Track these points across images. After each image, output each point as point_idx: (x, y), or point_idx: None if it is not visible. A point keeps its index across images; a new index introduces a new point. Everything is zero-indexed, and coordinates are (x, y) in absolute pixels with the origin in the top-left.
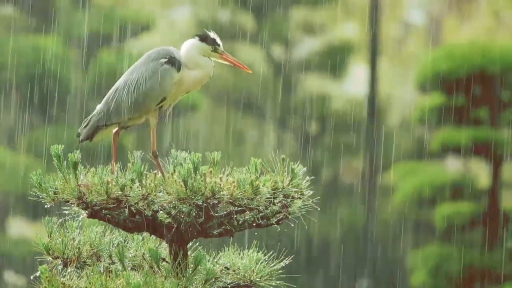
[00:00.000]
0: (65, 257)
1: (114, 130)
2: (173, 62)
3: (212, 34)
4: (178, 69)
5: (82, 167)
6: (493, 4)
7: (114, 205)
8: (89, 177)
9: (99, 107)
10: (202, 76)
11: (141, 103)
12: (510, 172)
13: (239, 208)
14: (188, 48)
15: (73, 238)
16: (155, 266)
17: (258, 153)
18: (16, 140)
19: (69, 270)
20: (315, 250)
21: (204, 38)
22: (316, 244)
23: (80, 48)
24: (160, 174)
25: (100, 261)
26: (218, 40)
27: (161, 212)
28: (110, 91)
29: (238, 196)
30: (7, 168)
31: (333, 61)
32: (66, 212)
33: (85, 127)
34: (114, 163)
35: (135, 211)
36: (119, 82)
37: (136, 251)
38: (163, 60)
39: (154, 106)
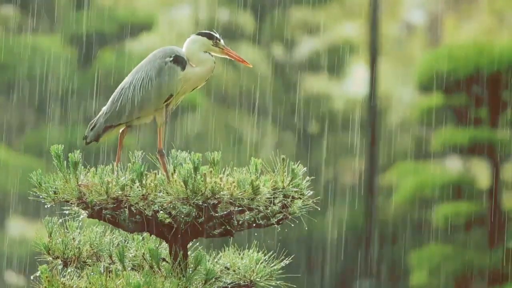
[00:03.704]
0: (65, 257)
1: (121, 130)
2: (179, 61)
3: (210, 31)
4: (183, 67)
5: (82, 167)
6: (493, 4)
7: (114, 205)
8: (89, 177)
9: (105, 108)
10: (205, 72)
11: (147, 101)
12: (510, 172)
13: (239, 208)
14: (189, 44)
15: (73, 238)
16: (155, 266)
17: (258, 153)
18: (16, 140)
19: (69, 270)
20: (314, 250)
21: (204, 33)
22: (315, 244)
23: (80, 48)
24: (164, 173)
25: (100, 261)
26: (218, 35)
27: (161, 212)
28: (116, 91)
29: (238, 196)
30: (7, 168)
31: (333, 61)
32: (66, 212)
33: (91, 129)
34: (117, 163)
35: (135, 211)
36: (125, 82)
37: (136, 251)
38: (169, 58)
39: (161, 104)
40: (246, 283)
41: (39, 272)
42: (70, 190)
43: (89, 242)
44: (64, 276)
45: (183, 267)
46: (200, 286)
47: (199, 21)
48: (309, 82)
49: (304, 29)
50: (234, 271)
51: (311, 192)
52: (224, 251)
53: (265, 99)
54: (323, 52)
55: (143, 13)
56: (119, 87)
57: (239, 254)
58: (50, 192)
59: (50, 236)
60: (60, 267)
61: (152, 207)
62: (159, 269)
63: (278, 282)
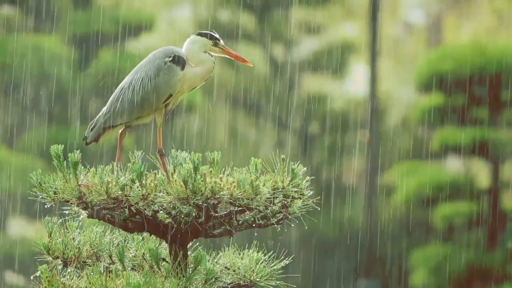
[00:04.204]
0: (65, 257)
1: (121, 131)
2: (178, 61)
3: (210, 32)
4: (182, 67)
5: (82, 167)
6: (493, 3)
7: (114, 205)
8: (89, 177)
9: (105, 108)
10: (204, 72)
11: (147, 101)
12: (510, 172)
13: (239, 208)
14: (189, 44)
15: (73, 238)
16: (155, 266)
17: (258, 153)
18: (16, 140)
19: (69, 270)
20: (314, 250)
21: (204, 34)
22: (315, 244)
23: (80, 48)
24: (163, 173)
25: (100, 261)
26: (218, 36)
27: (161, 212)
28: (116, 91)
29: (238, 196)
30: (7, 168)
31: (333, 61)
32: (66, 212)
33: (91, 129)
34: (117, 163)
35: (135, 211)
36: (124, 82)
37: (136, 251)
38: (168, 58)
39: (161, 104)
40: (246, 283)
41: (39, 272)
42: (70, 190)
43: (89, 242)
44: (64, 276)
45: (183, 267)
46: (200, 286)
47: (199, 21)
48: (309, 82)
49: (304, 29)
50: (234, 271)
51: (311, 192)
52: (224, 251)
53: (265, 99)
54: (323, 52)
55: (143, 13)
56: (119, 87)
57: (239, 254)
58: (50, 192)
59: (50, 236)
60: (60, 267)
61: (152, 207)
62: (159, 269)
63: (278, 282)
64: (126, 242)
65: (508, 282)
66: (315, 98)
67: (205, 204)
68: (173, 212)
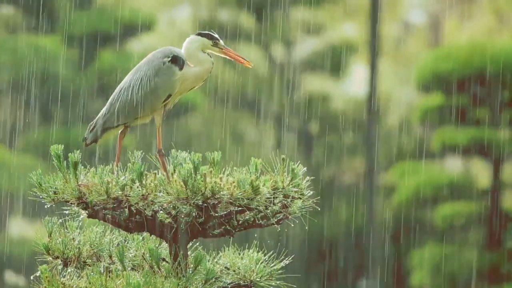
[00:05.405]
0: (65, 257)
1: (120, 131)
2: (176, 61)
3: (210, 32)
4: (181, 67)
5: (82, 167)
6: (493, 4)
7: (114, 205)
8: (89, 177)
9: (104, 109)
10: (203, 72)
11: (146, 101)
12: (510, 172)
13: (239, 208)
14: (188, 44)
15: (73, 238)
16: (155, 266)
17: (258, 153)
18: (16, 140)
19: (69, 270)
20: (315, 250)
21: (203, 34)
22: (316, 244)
23: (80, 48)
24: (163, 172)
25: (100, 261)
26: (217, 36)
27: (161, 212)
28: (115, 92)
29: (238, 196)
30: (7, 168)
31: (333, 61)
32: (66, 212)
33: (91, 130)
34: (116, 163)
35: (135, 211)
36: (123, 82)
37: (136, 251)
38: (166, 59)
39: (160, 104)
40: (246, 283)
41: (39, 272)
42: (70, 190)
43: (89, 242)
44: (64, 276)
45: (183, 267)
46: (200, 286)
47: (199, 21)
48: (309, 82)
49: (304, 29)
50: (234, 271)
51: (311, 192)
52: (224, 251)
53: (265, 99)
54: (323, 52)
55: (143, 13)
56: (118, 87)
57: (239, 254)
58: (50, 192)
59: (50, 236)
60: (60, 267)
61: (152, 207)
62: (159, 269)
63: (278, 282)
64: (126, 242)
65: (508, 282)
66: (315, 98)
67: (205, 204)
68: (173, 212)
